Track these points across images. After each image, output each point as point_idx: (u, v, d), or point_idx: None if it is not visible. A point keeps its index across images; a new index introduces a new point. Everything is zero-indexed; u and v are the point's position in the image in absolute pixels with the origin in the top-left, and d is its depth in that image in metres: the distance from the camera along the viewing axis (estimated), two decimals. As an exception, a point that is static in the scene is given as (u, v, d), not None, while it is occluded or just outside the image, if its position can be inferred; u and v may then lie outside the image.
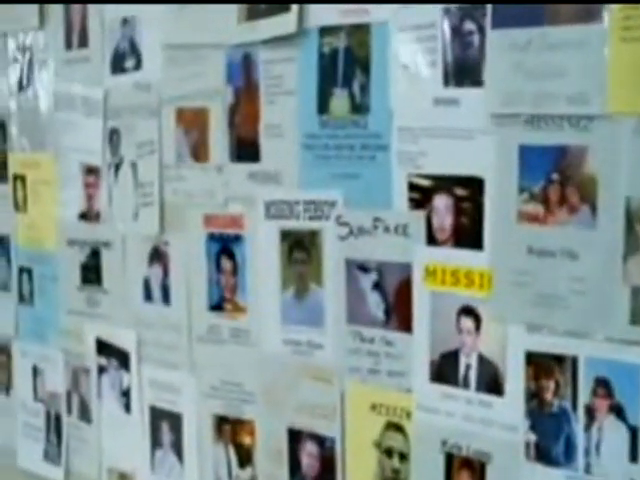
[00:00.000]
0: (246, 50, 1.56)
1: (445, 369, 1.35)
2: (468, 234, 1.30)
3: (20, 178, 2.10)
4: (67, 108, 1.95)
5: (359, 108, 1.40)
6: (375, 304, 1.43)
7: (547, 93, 1.17)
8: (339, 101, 1.43)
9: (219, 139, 1.62)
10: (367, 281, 1.43)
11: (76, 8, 1.89)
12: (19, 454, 2.18)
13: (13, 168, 2.13)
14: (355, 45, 1.40)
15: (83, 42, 1.89)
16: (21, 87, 2.07)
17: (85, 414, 2.00)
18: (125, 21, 1.78)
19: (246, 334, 1.62)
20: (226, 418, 1.68)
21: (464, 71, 1.28)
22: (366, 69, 1.39)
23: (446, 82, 1.30)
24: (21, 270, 2.12)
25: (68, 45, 1.93)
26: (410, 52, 1.33)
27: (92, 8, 1.85)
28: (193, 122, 1.66)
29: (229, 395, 1.66)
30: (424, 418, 1.38)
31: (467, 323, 1.32)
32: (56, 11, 1.94)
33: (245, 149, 1.59)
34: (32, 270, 2.09)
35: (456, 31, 1.28)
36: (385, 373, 1.42)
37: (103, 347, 1.94)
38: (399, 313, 1.40)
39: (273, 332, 1.57)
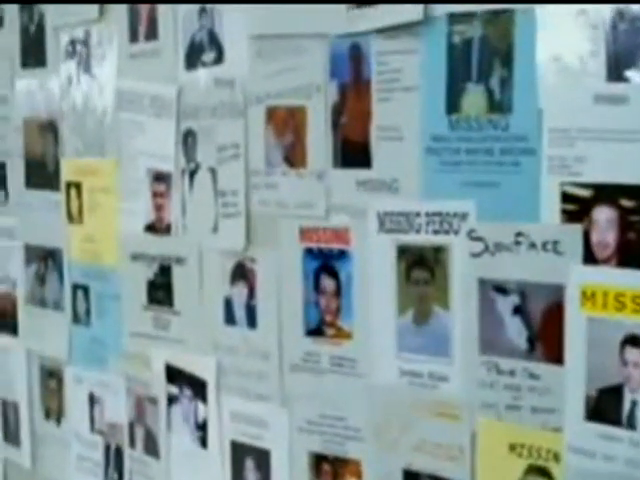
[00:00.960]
0: (354, 40, 1.41)
1: (605, 406, 1.21)
2: (636, 251, 1.15)
3: (74, 186, 1.96)
4: (132, 108, 1.80)
5: (499, 106, 1.26)
6: (516, 331, 1.28)
7: None
8: (473, 98, 1.28)
9: (320, 142, 1.48)
10: (506, 305, 1.29)
11: (143, -4, 1.74)
12: (73, 490, 2.04)
13: (66, 175, 1.99)
14: (493, 34, 1.26)
15: (151, 34, 1.75)
16: (75, 85, 1.91)
17: (151, 448, 1.86)
18: (203, 10, 1.63)
19: (351, 363, 1.48)
20: (325, 456, 1.53)
21: (632, 62, 1.13)
22: (507, 61, 1.24)
23: (610, 76, 1.15)
24: (75, 287, 1.98)
25: (133, 38, 1.79)
26: (564, 41, 1.18)
27: (162, -3, 1.70)
28: (287, 123, 1.52)
29: (329, 430, 1.52)
30: (577, 461, 1.24)
31: (634, 355, 1.18)
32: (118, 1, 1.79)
33: (353, 153, 1.45)
34: (88, 287, 1.95)
35: (622, 15, 1.13)
36: (527, 409, 1.28)
37: (174, 374, 1.79)
38: (546, 342, 1.25)
39: (386, 361, 1.43)
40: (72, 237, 1.98)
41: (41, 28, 1.99)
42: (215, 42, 1.63)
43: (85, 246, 1.95)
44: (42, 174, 2.04)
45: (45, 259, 2.04)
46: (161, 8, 1.73)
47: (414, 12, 1.30)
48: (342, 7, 1.42)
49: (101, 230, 1.91)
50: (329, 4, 1.42)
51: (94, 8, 1.84)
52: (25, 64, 2.05)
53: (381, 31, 1.38)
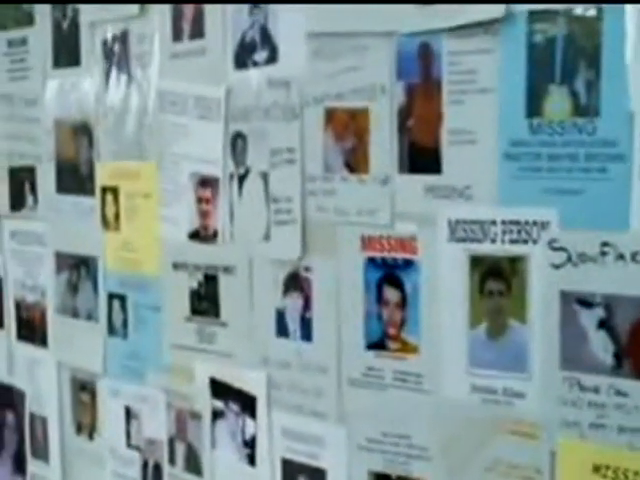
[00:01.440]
0: (424, 39, 1.38)
1: (699, 426, 1.17)
2: None
3: (111, 190, 1.93)
4: (175, 109, 1.77)
5: (585, 110, 1.22)
6: (601, 346, 1.25)
7: None
8: (556, 101, 1.25)
9: (384, 146, 1.44)
10: (590, 318, 1.26)
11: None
12: (108, 507, 2.01)
13: (101, 179, 1.95)
14: (579, 32, 1.22)
15: (197, 32, 1.71)
16: (112, 85, 1.88)
17: (193, 465, 1.83)
18: (255, 6, 1.59)
19: (417, 378, 1.45)
20: (388, 476, 1.50)
21: None
22: (594, 62, 1.21)
23: None
24: (111, 297, 1.95)
25: (177, 36, 1.75)
26: (660, 40, 1.15)
27: (210, -7, 1.67)
28: (348, 126, 1.49)
29: (392, 449, 1.49)
30: (668, 485, 1.20)
31: None
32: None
33: (421, 158, 1.41)
34: (125, 297, 1.92)
35: None
36: (613, 428, 1.25)
37: (219, 388, 1.76)
38: (635, 357, 1.22)
39: (456, 377, 1.40)
40: (108, 244, 1.94)
41: (75, 25, 1.95)
42: (268, 40, 1.60)
43: (122, 254, 1.91)
44: (74, 178, 2.01)
45: (77, 267, 2.01)
46: (208, 5, 1.68)
47: (495, 10, 1.27)
48: (409, 4, 1.38)
49: (140, 237, 1.87)
50: (395, 4, 1.38)
51: (134, 5, 1.79)
52: (57, 63, 2.02)
53: (453, 29, 1.34)
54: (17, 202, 2.18)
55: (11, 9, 2.11)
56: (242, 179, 1.67)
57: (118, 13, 1.84)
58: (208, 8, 1.70)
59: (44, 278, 2.14)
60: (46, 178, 2.10)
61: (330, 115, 1.53)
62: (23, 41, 2.11)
